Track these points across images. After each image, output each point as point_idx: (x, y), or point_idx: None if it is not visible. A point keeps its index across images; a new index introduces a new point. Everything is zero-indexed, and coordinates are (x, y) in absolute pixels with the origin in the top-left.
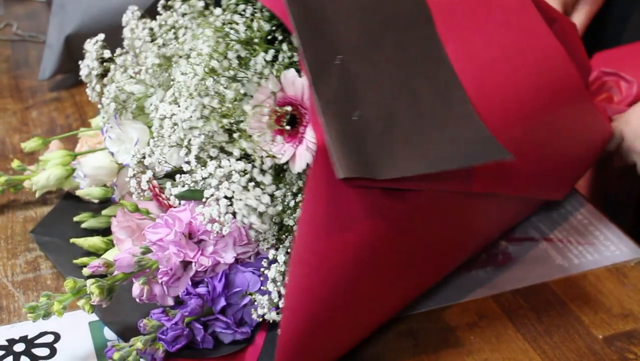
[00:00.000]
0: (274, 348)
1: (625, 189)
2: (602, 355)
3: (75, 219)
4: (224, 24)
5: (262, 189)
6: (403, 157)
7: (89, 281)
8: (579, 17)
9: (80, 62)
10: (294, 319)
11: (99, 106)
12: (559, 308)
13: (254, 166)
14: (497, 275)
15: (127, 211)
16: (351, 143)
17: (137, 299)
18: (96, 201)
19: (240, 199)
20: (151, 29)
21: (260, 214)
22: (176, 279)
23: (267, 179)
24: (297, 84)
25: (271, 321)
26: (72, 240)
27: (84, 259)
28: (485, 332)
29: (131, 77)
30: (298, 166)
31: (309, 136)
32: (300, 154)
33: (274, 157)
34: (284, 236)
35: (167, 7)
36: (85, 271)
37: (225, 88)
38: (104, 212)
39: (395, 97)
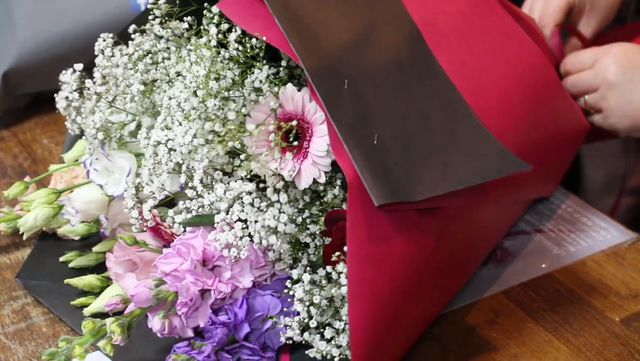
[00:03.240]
0: None
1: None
2: (624, 337)
3: (62, 259)
4: (219, 43)
5: (278, 208)
6: (428, 177)
7: (109, 320)
8: (588, 27)
9: (20, 97)
10: (363, 344)
11: (84, 138)
12: (569, 296)
13: (265, 186)
14: (501, 271)
15: (125, 245)
16: (379, 168)
17: (159, 334)
18: (77, 238)
19: (256, 221)
20: (129, 55)
21: (279, 235)
22: (195, 309)
23: (284, 197)
24: (296, 98)
25: (295, 342)
26: (66, 281)
27: (82, 300)
28: (506, 328)
29: (110, 105)
30: (304, 182)
31: (314, 150)
32: (306, 169)
33: (280, 175)
34: (300, 254)
35: (140, 32)
36: (88, 311)
37: (224, 109)
38: (95, 248)
39: (404, 116)
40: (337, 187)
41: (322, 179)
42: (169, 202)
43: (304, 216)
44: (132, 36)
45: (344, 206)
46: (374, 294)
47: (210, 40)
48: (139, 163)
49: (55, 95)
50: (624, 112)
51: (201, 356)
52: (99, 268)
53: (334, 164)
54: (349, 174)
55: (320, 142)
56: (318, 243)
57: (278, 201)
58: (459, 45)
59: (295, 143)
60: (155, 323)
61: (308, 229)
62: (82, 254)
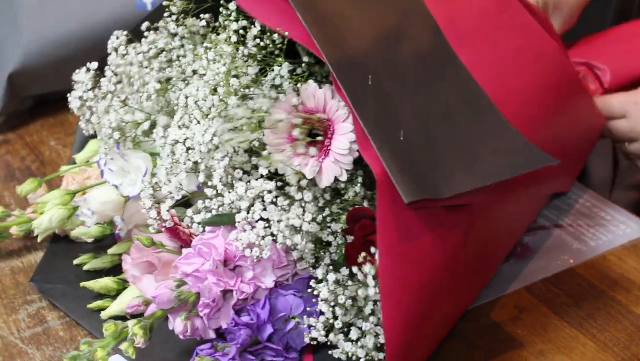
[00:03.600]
0: None
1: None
2: None
3: (76, 261)
4: (240, 39)
5: (302, 206)
6: (456, 173)
7: (131, 322)
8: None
9: (25, 99)
10: (396, 343)
11: (100, 137)
12: (592, 291)
13: (284, 184)
14: (522, 267)
15: (142, 246)
16: (406, 165)
17: (181, 336)
18: (90, 240)
19: (280, 220)
20: (144, 52)
21: (303, 234)
22: (217, 310)
23: (308, 195)
24: (318, 95)
25: (319, 342)
26: (82, 284)
27: (99, 303)
28: (531, 324)
29: (124, 104)
30: (325, 180)
31: (336, 147)
32: (327, 168)
33: (301, 173)
34: (322, 253)
35: (153, 29)
36: (105, 314)
37: (241, 106)
38: (110, 250)
39: (428, 112)
40: (359, 184)
41: (344, 177)
42: (185, 202)
43: (324, 215)
44: (145, 34)
45: (365, 204)
46: (406, 292)
47: (230, 37)
48: (154, 163)
49: (68, 95)
50: None
51: (226, 359)
52: (114, 270)
53: (354, 161)
54: (377, 171)
55: (342, 139)
56: (340, 242)
57: (302, 199)
58: (478, 41)
59: (320, 139)
60: (178, 324)
61: (329, 227)
62: (97, 256)
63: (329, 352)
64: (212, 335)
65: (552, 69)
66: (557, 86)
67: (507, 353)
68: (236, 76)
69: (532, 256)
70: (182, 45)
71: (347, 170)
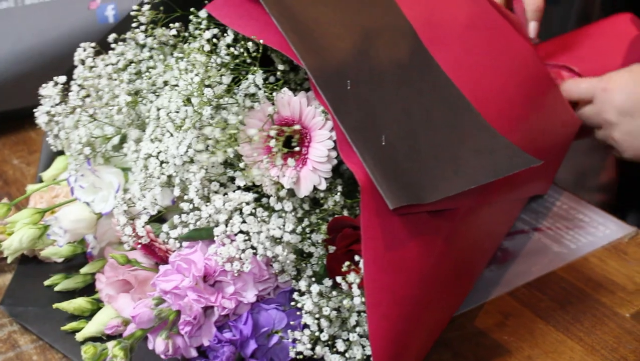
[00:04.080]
0: None
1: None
2: (637, 333)
3: (47, 282)
4: (212, 47)
5: (282, 217)
6: (440, 177)
7: (110, 344)
8: None
9: None
10: (384, 355)
11: (69, 154)
12: (576, 294)
13: (261, 196)
14: (504, 272)
15: (117, 264)
16: (390, 170)
17: (163, 356)
18: (60, 260)
19: (260, 232)
20: (113, 64)
21: (284, 245)
22: (198, 328)
23: (288, 205)
24: (293, 103)
25: (304, 357)
26: (55, 305)
27: (73, 325)
28: (517, 330)
29: (93, 119)
30: (304, 190)
31: (314, 155)
32: (306, 177)
33: (280, 184)
34: (303, 265)
35: (120, 40)
36: (80, 336)
37: (216, 117)
38: (83, 270)
39: (408, 116)
40: (338, 193)
41: (323, 186)
42: (159, 218)
43: (303, 225)
44: (113, 45)
45: (345, 213)
46: (392, 302)
47: (203, 46)
48: (126, 178)
49: (34, 110)
50: (630, 145)
51: None
52: (87, 290)
53: (332, 170)
54: (361, 178)
55: (320, 147)
56: (321, 253)
57: (282, 209)
58: (453, 43)
59: (298, 149)
60: (159, 344)
61: (310, 238)
62: (68, 276)
63: None
64: (194, 353)
65: (526, 70)
66: (532, 86)
67: (495, 360)
68: (209, 86)
69: (513, 261)
70: (151, 57)
71: (325, 179)
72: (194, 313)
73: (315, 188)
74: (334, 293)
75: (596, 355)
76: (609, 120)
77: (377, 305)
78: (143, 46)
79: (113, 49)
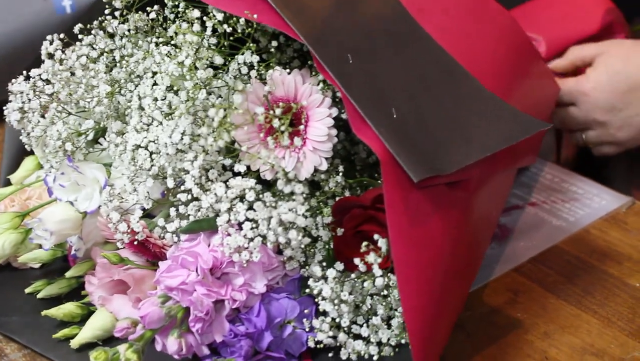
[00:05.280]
0: None
1: None
2: None
3: (28, 290)
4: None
5: (293, 200)
6: (454, 147)
7: (122, 348)
8: None
9: None
10: (420, 332)
11: (47, 151)
12: (582, 266)
13: (260, 182)
14: (505, 249)
15: (110, 264)
16: (407, 143)
17: (176, 356)
18: (37, 266)
19: (271, 217)
20: (86, 55)
21: (298, 229)
22: (209, 324)
23: (299, 187)
24: (287, 82)
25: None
26: (44, 312)
27: (65, 331)
28: (529, 306)
29: (69, 113)
30: (305, 172)
31: (314, 135)
32: (306, 158)
33: (280, 167)
34: (311, 250)
35: (86, 31)
36: (75, 343)
37: (208, 100)
38: (68, 273)
39: (410, 87)
40: (340, 174)
41: (324, 167)
42: (146, 213)
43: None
44: (80, 36)
45: (347, 194)
46: (421, 276)
47: (192, 25)
48: (108, 173)
49: (4, 108)
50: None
51: None
52: (70, 295)
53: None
54: (380, 153)
55: (319, 126)
56: (327, 237)
57: (293, 192)
58: (437, 13)
59: (302, 128)
60: (171, 344)
61: (317, 221)
62: (51, 282)
63: (329, 355)
64: (206, 351)
65: (510, 37)
66: (517, 53)
67: (511, 338)
68: (202, 68)
69: (513, 237)
70: (123, 46)
71: (326, 159)
72: (205, 308)
73: (315, 170)
74: (352, 275)
75: (613, 327)
76: (598, 120)
77: (408, 281)
78: (113, 35)
79: (81, 40)
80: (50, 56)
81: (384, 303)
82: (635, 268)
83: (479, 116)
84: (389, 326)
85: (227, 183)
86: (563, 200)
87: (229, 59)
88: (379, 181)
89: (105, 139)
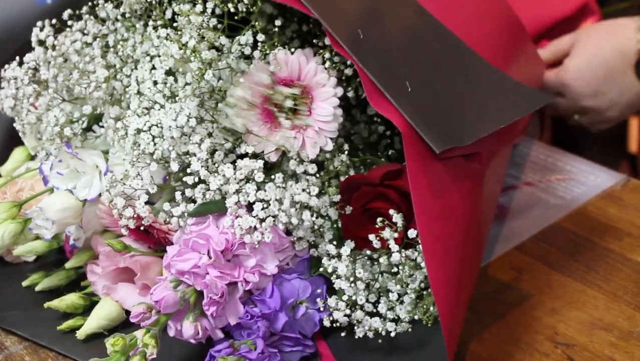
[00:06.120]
0: (344, 350)
1: None
2: None
3: (25, 283)
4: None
5: (307, 180)
6: (469, 120)
7: (139, 333)
8: None
9: None
10: (447, 304)
11: (45, 139)
12: (583, 243)
13: (269, 162)
14: (505, 229)
15: (114, 252)
16: (426, 116)
17: (192, 340)
18: (31, 259)
19: (283, 198)
20: (80, 40)
21: (312, 209)
22: (223, 306)
23: (313, 167)
24: (291, 62)
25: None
26: (47, 304)
27: (70, 323)
28: (534, 284)
29: (63, 99)
30: (310, 152)
31: (319, 115)
32: (312, 139)
33: (287, 147)
34: (320, 229)
35: (76, 17)
36: (82, 333)
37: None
38: (68, 264)
39: (420, 62)
40: (345, 153)
41: (329, 147)
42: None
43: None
44: (69, 22)
45: (352, 172)
46: (445, 248)
47: (195, 4)
48: (106, 160)
49: None
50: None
51: (254, 355)
52: (69, 287)
53: None
54: (401, 125)
55: (325, 106)
56: (335, 216)
57: (306, 172)
58: None
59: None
60: (187, 328)
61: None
62: (49, 274)
63: (341, 334)
64: (220, 334)
65: (502, 16)
66: (509, 32)
67: (518, 315)
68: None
69: (511, 217)
70: (116, 30)
71: (331, 139)
72: (220, 291)
73: (320, 150)
74: (368, 252)
75: (619, 301)
76: (586, 107)
77: (434, 253)
78: (104, 20)
79: (70, 26)
80: (41, 43)
81: (393, 280)
82: (636, 243)
83: (489, 90)
84: (402, 303)
85: (235, 164)
86: (558, 179)
87: (231, 40)
88: (382, 159)
89: (99, 126)
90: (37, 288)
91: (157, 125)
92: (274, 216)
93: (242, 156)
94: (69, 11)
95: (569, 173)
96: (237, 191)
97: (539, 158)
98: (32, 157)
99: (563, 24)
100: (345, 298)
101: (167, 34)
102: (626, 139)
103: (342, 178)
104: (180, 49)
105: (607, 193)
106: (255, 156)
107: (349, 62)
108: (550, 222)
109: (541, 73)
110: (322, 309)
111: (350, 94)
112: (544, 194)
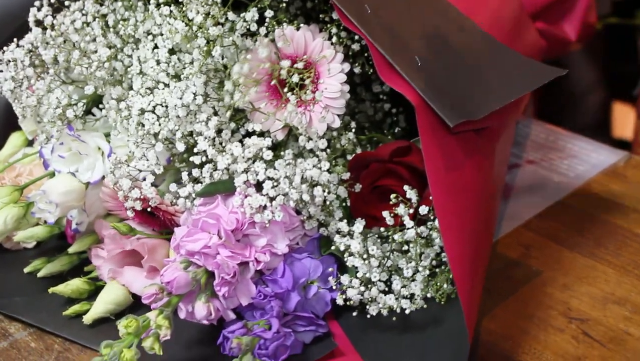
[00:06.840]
0: (356, 330)
1: None
2: None
3: (27, 269)
4: None
5: (317, 156)
6: (479, 94)
7: (152, 314)
8: None
9: None
10: (465, 278)
11: (46, 121)
12: (590, 219)
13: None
14: (510, 207)
15: (119, 236)
16: (437, 90)
17: (205, 321)
18: (31, 246)
19: (294, 175)
20: (80, 20)
21: (324, 186)
22: (234, 287)
23: (323, 142)
24: (297, 38)
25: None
26: (51, 289)
27: (76, 308)
28: (544, 260)
29: (63, 81)
30: (319, 129)
31: (326, 92)
32: (319, 116)
33: (293, 126)
34: (330, 207)
35: None
36: (88, 318)
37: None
38: (71, 249)
39: (427, 38)
40: (352, 130)
41: (337, 124)
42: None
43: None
44: (67, 3)
45: (359, 151)
46: (461, 223)
47: None
48: (108, 140)
49: None
50: None
51: (270, 334)
52: (71, 273)
53: None
54: (414, 99)
55: (332, 82)
56: (343, 194)
57: (316, 147)
58: None
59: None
60: (199, 309)
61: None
62: (52, 260)
63: (353, 314)
64: (232, 315)
65: None
66: (511, 11)
67: (530, 291)
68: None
69: (516, 195)
70: (114, 10)
71: (339, 116)
72: (232, 271)
73: (327, 127)
74: (381, 229)
75: (630, 275)
76: None
77: (450, 228)
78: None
79: (68, 7)
80: (39, 23)
81: (404, 258)
82: None
83: (496, 64)
84: (414, 281)
85: (243, 143)
86: (561, 157)
87: (237, 16)
88: (389, 137)
89: (99, 109)
90: (40, 274)
91: (161, 104)
92: (285, 194)
93: (247, 135)
94: None
95: (571, 151)
96: (246, 170)
97: (540, 137)
98: (30, 143)
99: (558, 3)
100: (359, 275)
101: (171, 11)
102: (609, 124)
103: (349, 157)
104: (187, 25)
105: (610, 170)
106: (261, 134)
107: (356, 37)
108: (555, 199)
109: (541, 48)
110: (334, 288)
111: (357, 69)
112: (547, 172)
